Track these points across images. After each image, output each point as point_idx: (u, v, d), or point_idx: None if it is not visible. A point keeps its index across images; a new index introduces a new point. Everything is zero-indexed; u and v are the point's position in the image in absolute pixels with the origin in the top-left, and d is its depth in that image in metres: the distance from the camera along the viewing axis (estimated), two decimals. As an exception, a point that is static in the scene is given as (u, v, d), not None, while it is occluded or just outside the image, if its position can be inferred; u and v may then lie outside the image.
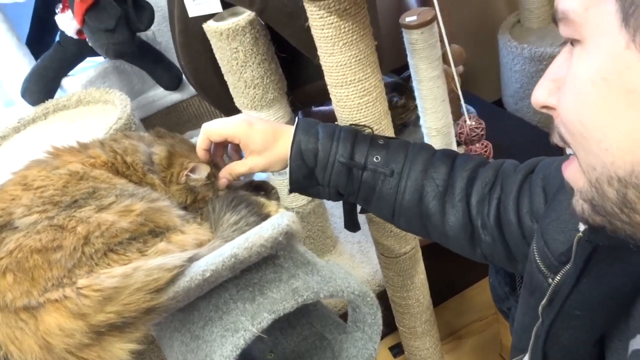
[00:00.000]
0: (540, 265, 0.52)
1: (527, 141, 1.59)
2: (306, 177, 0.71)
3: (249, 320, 0.63)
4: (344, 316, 0.94)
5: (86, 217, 0.59)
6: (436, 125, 1.22)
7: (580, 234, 0.46)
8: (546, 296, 0.50)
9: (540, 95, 0.39)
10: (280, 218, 0.62)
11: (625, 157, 0.32)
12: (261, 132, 0.71)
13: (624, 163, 0.32)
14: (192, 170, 0.73)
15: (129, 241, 0.59)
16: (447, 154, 0.72)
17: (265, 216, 0.71)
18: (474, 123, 1.02)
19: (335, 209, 1.38)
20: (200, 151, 0.73)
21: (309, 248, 1.26)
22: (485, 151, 1.22)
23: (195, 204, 0.73)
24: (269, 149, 0.71)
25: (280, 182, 1.11)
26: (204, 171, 0.74)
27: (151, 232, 0.62)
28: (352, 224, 0.79)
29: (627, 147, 0.32)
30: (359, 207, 0.78)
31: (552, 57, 1.59)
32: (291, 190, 0.74)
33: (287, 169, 0.71)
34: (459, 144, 1.28)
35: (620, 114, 0.32)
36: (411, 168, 0.69)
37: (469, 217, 0.68)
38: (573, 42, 0.35)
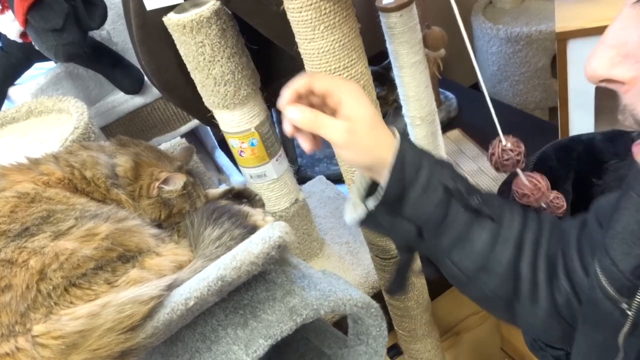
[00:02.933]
0: (608, 289, 0.44)
1: (510, 124, 1.55)
2: (396, 198, 0.56)
3: (242, 349, 0.55)
4: (338, 325, 0.87)
5: (40, 247, 0.49)
6: (420, 113, 1.16)
7: None
8: (627, 323, 0.42)
9: (600, 67, 0.32)
10: (271, 230, 0.54)
11: None
12: (370, 105, 0.55)
13: None
14: (165, 182, 0.64)
15: (95, 271, 0.50)
16: (532, 211, 0.61)
17: (252, 227, 0.63)
18: (509, 145, 0.81)
19: (319, 209, 1.30)
20: (292, 92, 0.54)
21: (295, 253, 1.18)
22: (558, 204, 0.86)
23: (171, 218, 0.65)
24: (372, 127, 0.54)
25: (260, 185, 1.03)
26: (179, 181, 0.65)
27: (120, 257, 0.53)
28: (400, 285, 0.66)
29: None
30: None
31: (528, 37, 1.55)
32: (369, 216, 0.56)
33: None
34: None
35: None
36: (513, 216, 0.58)
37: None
38: None
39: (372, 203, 0.55)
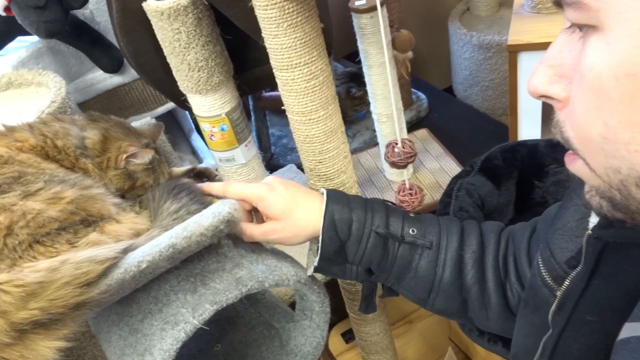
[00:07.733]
0: (546, 278, 0.50)
1: (475, 128, 1.62)
2: (337, 252, 0.65)
3: (189, 312, 0.61)
4: (293, 305, 0.93)
5: (10, 205, 0.54)
6: (386, 111, 1.22)
7: (590, 231, 0.44)
8: (555, 301, 0.48)
9: (539, 84, 0.35)
10: (222, 206, 0.60)
11: None
12: (282, 198, 0.65)
13: None
14: (134, 155, 0.69)
15: (58, 232, 0.55)
16: (474, 223, 0.69)
17: (209, 204, 0.68)
18: (404, 149, 0.89)
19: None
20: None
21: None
22: (413, 200, 1.04)
23: (134, 190, 0.70)
24: (288, 217, 0.65)
25: (229, 169, 1.08)
26: (146, 155, 0.70)
27: (83, 221, 0.58)
28: (369, 307, 0.74)
29: None
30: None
31: (499, 45, 1.62)
32: (318, 268, 0.67)
33: (318, 241, 0.65)
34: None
35: None
36: (449, 239, 0.65)
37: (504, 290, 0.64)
38: (582, 27, 0.31)
39: (315, 259, 0.66)
